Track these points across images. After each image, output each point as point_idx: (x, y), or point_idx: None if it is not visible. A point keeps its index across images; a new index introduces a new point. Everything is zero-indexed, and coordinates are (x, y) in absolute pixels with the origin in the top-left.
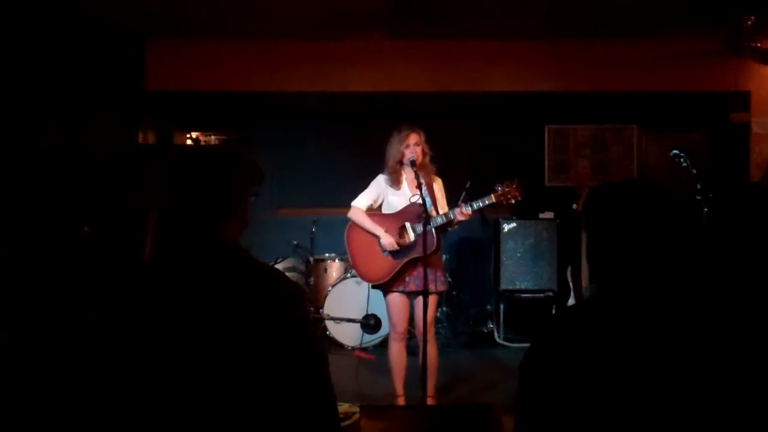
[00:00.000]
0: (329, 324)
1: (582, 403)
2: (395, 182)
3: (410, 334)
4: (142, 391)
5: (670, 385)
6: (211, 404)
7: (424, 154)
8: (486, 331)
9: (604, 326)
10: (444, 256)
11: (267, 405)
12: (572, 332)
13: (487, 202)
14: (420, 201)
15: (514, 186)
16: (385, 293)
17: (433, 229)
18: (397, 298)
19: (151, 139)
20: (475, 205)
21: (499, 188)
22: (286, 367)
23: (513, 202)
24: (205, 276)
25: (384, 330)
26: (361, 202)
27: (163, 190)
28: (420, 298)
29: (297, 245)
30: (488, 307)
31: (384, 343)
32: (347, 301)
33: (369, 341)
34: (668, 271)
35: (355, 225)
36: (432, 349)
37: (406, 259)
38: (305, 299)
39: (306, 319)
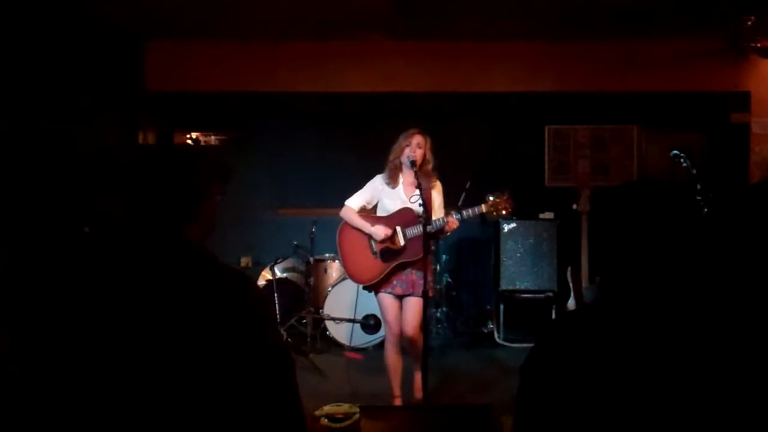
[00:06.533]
0: (329, 324)
1: (582, 407)
2: (392, 180)
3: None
4: (94, 396)
5: (673, 392)
6: (167, 410)
7: (424, 159)
8: (486, 331)
9: (609, 331)
10: (444, 257)
11: (228, 411)
12: (576, 336)
13: (477, 212)
14: (419, 203)
15: (505, 197)
16: (376, 294)
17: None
18: (388, 299)
19: (151, 139)
20: (464, 214)
21: (491, 199)
22: (248, 373)
23: (504, 213)
24: (165, 277)
25: (384, 330)
26: (355, 202)
27: (126, 190)
28: (407, 301)
29: (297, 245)
30: (488, 307)
31: (383, 344)
32: (347, 302)
33: (368, 341)
34: (678, 275)
35: (347, 225)
36: (419, 351)
37: (394, 263)
38: (271, 304)
39: (270, 324)
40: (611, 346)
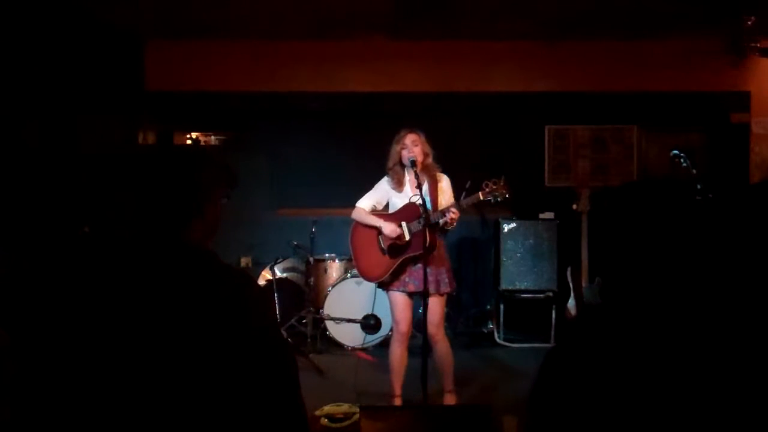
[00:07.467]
0: (329, 324)
1: (601, 411)
2: (398, 184)
3: (414, 334)
4: (96, 397)
5: (689, 394)
6: (169, 410)
7: (425, 154)
8: (486, 331)
9: (629, 333)
10: None
11: (230, 410)
12: (597, 338)
13: (474, 200)
14: (420, 201)
15: (501, 183)
16: (387, 291)
17: (427, 229)
18: (398, 296)
19: (151, 139)
20: (463, 203)
21: (487, 186)
22: (250, 372)
23: (500, 199)
24: (166, 277)
25: (384, 330)
26: (365, 203)
27: (129, 190)
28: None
29: (297, 245)
30: (488, 307)
31: (383, 343)
32: (347, 302)
33: (369, 341)
34: (679, 275)
35: (358, 225)
36: (444, 348)
37: (401, 258)
38: (272, 304)
39: (272, 324)
40: (632, 348)
